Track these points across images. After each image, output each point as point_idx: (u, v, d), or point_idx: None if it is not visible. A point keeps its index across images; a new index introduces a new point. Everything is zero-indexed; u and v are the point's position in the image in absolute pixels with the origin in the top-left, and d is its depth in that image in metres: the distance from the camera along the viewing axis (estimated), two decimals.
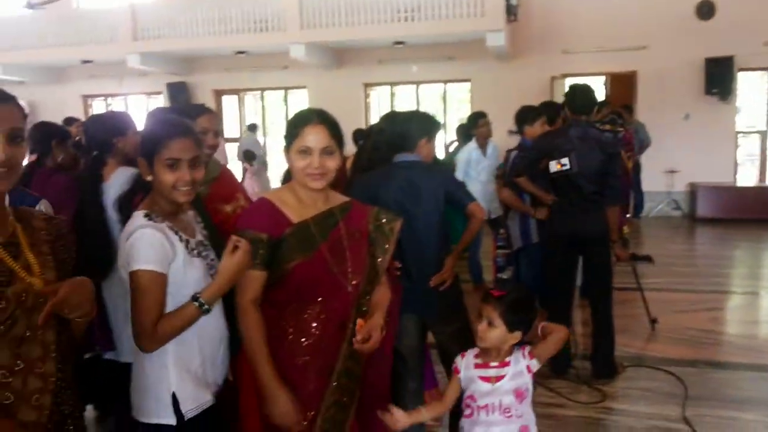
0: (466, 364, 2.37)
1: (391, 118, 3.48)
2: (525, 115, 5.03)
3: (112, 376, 2.77)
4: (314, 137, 2.09)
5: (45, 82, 14.26)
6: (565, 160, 4.08)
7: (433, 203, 3.09)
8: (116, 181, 2.73)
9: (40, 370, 1.56)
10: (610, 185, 4.13)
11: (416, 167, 3.15)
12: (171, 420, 1.94)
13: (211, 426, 2.04)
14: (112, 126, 2.96)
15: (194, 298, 1.91)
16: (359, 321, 2.13)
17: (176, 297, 1.93)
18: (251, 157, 10.96)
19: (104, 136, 2.89)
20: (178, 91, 13.43)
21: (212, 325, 2.05)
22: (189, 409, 1.96)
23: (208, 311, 1.92)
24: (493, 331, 2.25)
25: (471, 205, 3.14)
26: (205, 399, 2.01)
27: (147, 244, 1.88)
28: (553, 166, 4.13)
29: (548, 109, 5.09)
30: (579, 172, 4.07)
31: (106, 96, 14.85)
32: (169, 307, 1.93)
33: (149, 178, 1.99)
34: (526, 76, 11.38)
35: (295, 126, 2.13)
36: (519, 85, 11.11)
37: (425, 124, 3.26)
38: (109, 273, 2.53)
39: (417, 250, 3.05)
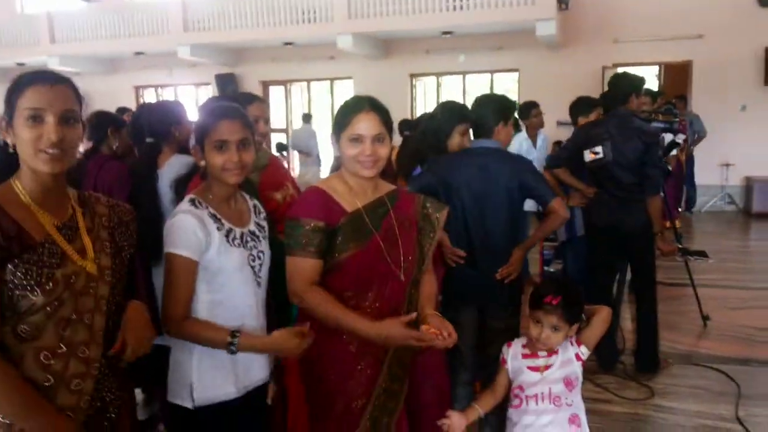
0: (513, 354, 2.36)
1: (444, 105, 3.43)
2: (580, 106, 4.93)
3: (159, 361, 2.84)
4: (366, 125, 2.07)
5: (99, 72, 14.64)
6: (598, 149, 4.00)
7: (505, 192, 3.00)
8: (171, 167, 2.78)
9: (83, 355, 1.57)
10: (647, 175, 4.00)
11: (492, 154, 3.07)
12: (188, 403, 1.97)
13: (233, 421, 2.03)
14: (169, 114, 3.03)
15: (233, 333, 1.90)
16: (424, 327, 2.06)
17: (211, 284, 1.96)
18: (282, 148, 11.10)
19: (161, 124, 2.95)
20: (226, 82, 13.61)
21: (248, 322, 2.04)
22: (203, 396, 1.96)
23: (233, 352, 1.91)
24: (558, 335, 2.25)
25: (553, 202, 3.01)
26: (225, 392, 2.00)
27: (179, 229, 1.92)
28: (587, 156, 4.06)
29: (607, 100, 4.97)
30: (615, 162, 3.97)
31: (157, 86, 15.16)
32: (204, 293, 1.95)
33: (202, 163, 2.03)
34: (576, 66, 11.17)
35: (347, 113, 2.10)
36: (569, 75, 10.92)
37: (500, 108, 3.16)
38: (161, 258, 2.59)
39: (484, 239, 3.01)
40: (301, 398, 2.17)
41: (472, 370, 3.10)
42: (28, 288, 1.47)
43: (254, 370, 2.09)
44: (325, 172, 11.53)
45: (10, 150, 1.56)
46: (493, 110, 3.13)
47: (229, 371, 2.00)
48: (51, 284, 1.50)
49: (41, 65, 13.15)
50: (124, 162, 3.33)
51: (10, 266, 1.46)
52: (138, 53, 13.88)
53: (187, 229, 1.92)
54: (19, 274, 1.47)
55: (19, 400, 1.49)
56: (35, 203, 1.56)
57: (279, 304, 2.29)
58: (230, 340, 1.88)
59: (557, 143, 7.97)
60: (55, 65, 13.13)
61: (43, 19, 13.75)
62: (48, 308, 1.50)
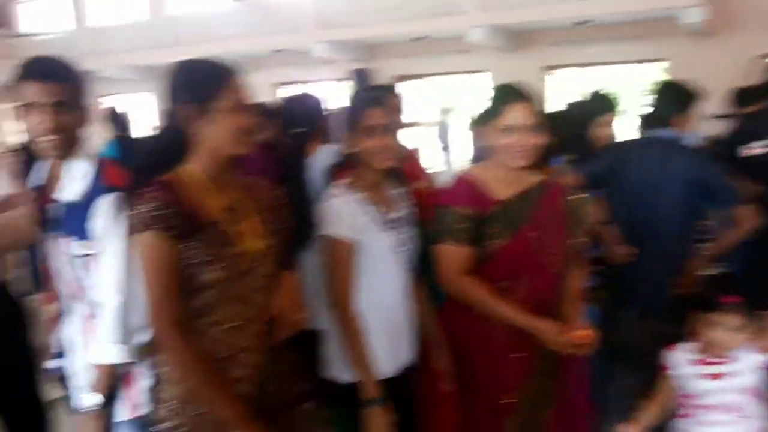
0: (679, 360, 2.19)
1: (595, 93, 3.28)
2: (744, 96, 4.54)
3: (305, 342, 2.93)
4: (520, 114, 2.05)
5: (240, 70, 15.34)
6: (757, 144, 3.67)
7: (682, 189, 2.76)
8: (320, 157, 2.85)
9: (252, 330, 1.67)
10: None
11: (671, 145, 2.85)
12: (345, 378, 2.05)
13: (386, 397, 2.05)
14: (316, 104, 3.12)
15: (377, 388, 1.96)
16: (580, 332, 2.01)
17: (363, 267, 2.02)
18: None
19: (310, 115, 3.04)
20: (361, 78, 13.84)
21: (395, 303, 2.10)
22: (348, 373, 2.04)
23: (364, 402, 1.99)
24: (738, 337, 2.08)
25: (739, 208, 2.73)
26: (381, 370, 2.04)
27: (336, 212, 2.01)
28: (749, 150, 3.73)
29: None
30: None
31: (294, 83, 15.69)
32: (358, 276, 2.01)
33: (352, 150, 2.10)
34: (726, 56, 10.30)
35: (500, 103, 2.09)
36: (718, 65, 10.11)
37: (680, 96, 2.97)
38: (307, 245, 2.66)
39: (653, 238, 2.79)
40: (446, 388, 2.16)
41: (631, 371, 2.94)
42: (202, 266, 1.56)
43: (404, 352, 2.14)
44: (458, 165, 11.49)
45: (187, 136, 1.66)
46: (672, 98, 2.93)
47: (385, 349, 2.05)
48: (222, 263, 1.58)
49: None
50: (274, 151, 3.44)
51: (186, 245, 1.55)
52: (276, 51, 14.43)
53: (343, 212, 2.00)
54: (194, 252, 1.56)
55: (202, 376, 1.58)
56: (208, 186, 1.64)
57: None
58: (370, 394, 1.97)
59: (711, 139, 7.43)
60: None
61: (189, 19, 14.60)
62: (219, 285, 1.59)
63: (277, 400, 1.77)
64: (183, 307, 1.58)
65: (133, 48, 14.92)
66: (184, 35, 14.63)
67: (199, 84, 1.63)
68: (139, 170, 1.67)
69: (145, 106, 14.74)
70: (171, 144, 1.65)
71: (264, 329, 1.70)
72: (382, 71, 13.97)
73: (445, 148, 11.44)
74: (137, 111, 14.64)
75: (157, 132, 1.76)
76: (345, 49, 13.40)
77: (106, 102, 11.74)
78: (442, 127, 11.71)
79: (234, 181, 1.73)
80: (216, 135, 1.61)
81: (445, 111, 12.04)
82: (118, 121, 6.02)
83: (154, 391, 1.70)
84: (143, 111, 14.28)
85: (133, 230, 1.56)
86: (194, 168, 1.65)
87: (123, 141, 5.86)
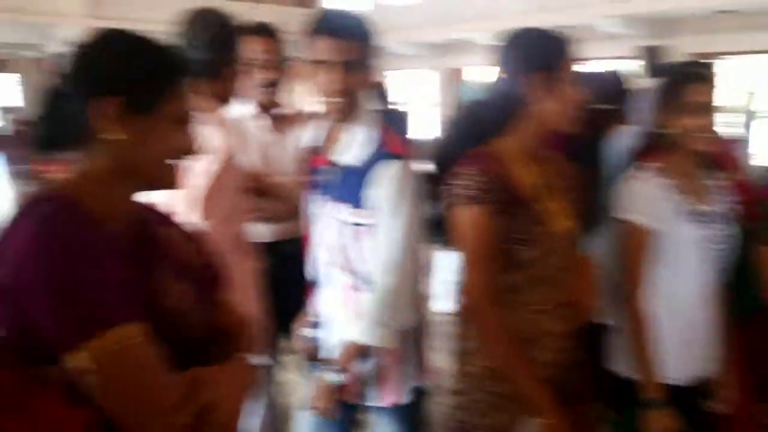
0: None
1: None
2: None
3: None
4: None
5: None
6: None
7: None
8: (619, 138, 2.69)
9: (557, 314, 1.63)
10: None
11: None
12: (626, 373, 1.91)
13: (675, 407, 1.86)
14: (620, 82, 2.97)
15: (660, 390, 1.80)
16: None
17: (661, 258, 1.86)
18: None
19: (614, 93, 2.89)
20: (652, 55, 12.87)
21: (694, 305, 1.89)
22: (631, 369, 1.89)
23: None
24: None
25: None
26: (672, 375, 1.87)
27: (636, 196, 1.86)
28: None
29: None
30: None
31: (578, 60, 15.09)
32: (657, 266, 1.86)
33: (665, 130, 1.90)
34: None
35: None
36: None
37: None
38: (593, 230, 2.53)
39: None
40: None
41: None
42: (517, 244, 1.54)
43: (700, 361, 1.93)
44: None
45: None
46: None
47: (675, 353, 1.87)
48: (536, 242, 1.55)
49: (470, 41, 14.23)
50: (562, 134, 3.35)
51: (505, 221, 1.54)
52: (559, 26, 13.96)
53: (644, 197, 1.86)
54: (511, 229, 1.56)
55: (510, 353, 1.58)
56: (525, 162, 1.62)
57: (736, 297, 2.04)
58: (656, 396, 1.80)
59: None
60: (483, 40, 14.03)
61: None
62: (531, 265, 1.56)
63: (570, 389, 1.70)
64: (496, 283, 1.57)
65: (419, 25, 15.55)
66: (469, 12, 14.86)
67: (551, 53, 1.60)
68: (456, 141, 1.67)
69: (424, 82, 15.41)
70: (498, 114, 1.63)
71: (567, 314, 1.64)
72: (676, 48, 12.80)
73: (751, 138, 10.17)
74: (417, 86, 15.40)
75: (483, 102, 1.72)
76: (636, 23, 12.52)
77: (388, 76, 12.49)
78: (747, 114, 10.42)
79: (546, 158, 1.68)
80: (554, 107, 1.57)
81: (752, 95, 10.68)
82: (382, 96, 6.34)
83: (458, 363, 1.69)
84: (422, 86, 14.95)
85: (454, 203, 1.57)
86: (512, 141, 1.62)
87: (391, 114, 6.19)
